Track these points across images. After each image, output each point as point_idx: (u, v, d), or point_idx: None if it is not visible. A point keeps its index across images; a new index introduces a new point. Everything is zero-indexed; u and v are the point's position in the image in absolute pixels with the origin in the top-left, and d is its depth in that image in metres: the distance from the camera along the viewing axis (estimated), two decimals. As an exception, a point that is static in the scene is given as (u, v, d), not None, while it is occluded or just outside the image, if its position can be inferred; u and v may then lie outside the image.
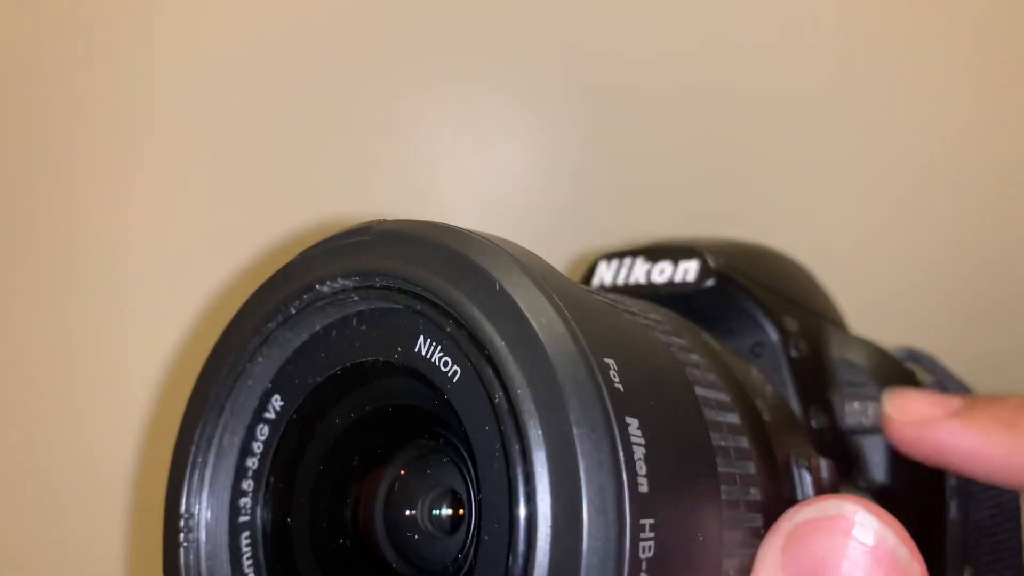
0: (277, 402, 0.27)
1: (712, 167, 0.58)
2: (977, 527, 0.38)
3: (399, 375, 0.24)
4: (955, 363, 0.40)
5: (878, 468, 0.37)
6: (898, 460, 0.37)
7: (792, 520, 0.26)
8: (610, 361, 0.21)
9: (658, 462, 0.21)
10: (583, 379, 0.20)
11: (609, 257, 0.38)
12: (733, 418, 0.28)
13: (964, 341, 0.55)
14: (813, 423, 0.36)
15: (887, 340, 0.40)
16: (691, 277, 0.36)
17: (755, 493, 0.27)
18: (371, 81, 0.58)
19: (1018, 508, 0.39)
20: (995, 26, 0.59)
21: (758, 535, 0.27)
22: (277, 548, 0.26)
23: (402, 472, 0.26)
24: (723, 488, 0.25)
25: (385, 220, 0.25)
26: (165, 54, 0.58)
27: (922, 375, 0.39)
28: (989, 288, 0.58)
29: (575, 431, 0.20)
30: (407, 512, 0.25)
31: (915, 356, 0.39)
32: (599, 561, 0.19)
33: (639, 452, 0.20)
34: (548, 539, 0.19)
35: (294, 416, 0.26)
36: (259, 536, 0.26)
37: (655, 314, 0.30)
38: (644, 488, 0.20)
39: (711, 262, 0.36)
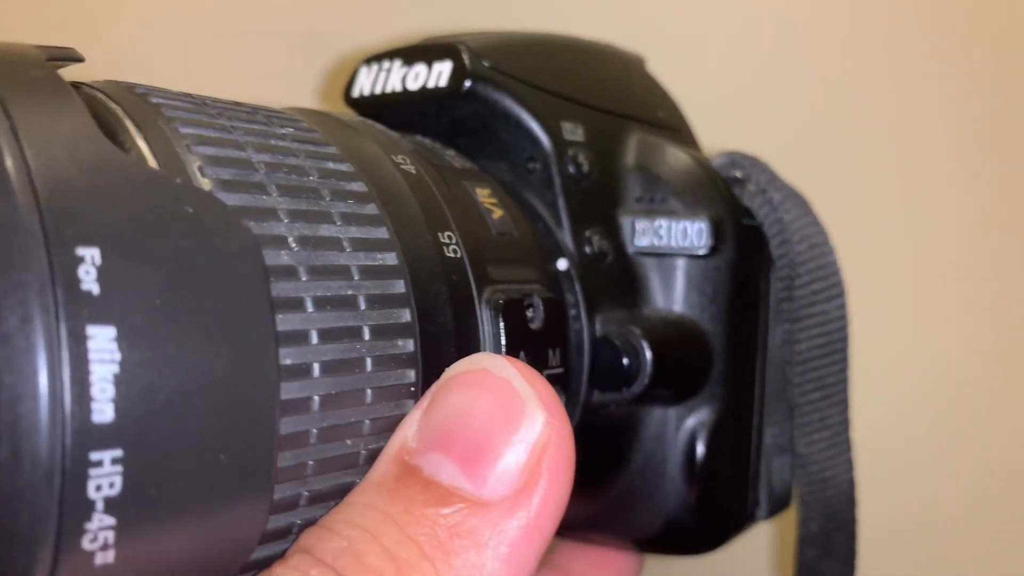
0: None
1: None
2: (803, 360, 0.33)
3: None
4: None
5: (672, 294, 0.32)
6: (697, 286, 0.32)
7: (442, 378, 0.23)
8: (88, 252, 0.17)
9: (142, 377, 0.17)
10: (20, 280, 0.16)
11: (369, 61, 0.33)
12: (387, 258, 0.23)
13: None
14: (587, 249, 0.31)
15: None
16: (444, 81, 0.31)
17: (406, 344, 0.23)
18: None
19: (847, 337, 0.34)
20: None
21: (409, 392, 0.23)
22: None
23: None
24: (330, 347, 0.21)
25: None
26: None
27: (747, 184, 0.33)
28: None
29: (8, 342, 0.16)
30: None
31: (737, 162, 0.33)
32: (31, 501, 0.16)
33: (104, 371, 0.17)
34: None
35: None
36: None
37: (324, 133, 0.25)
38: (106, 417, 0.17)
39: (467, 62, 0.31)
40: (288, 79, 0.49)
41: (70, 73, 0.23)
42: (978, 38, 0.48)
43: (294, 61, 0.50)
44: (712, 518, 0.33)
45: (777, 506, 0.35)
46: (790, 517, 0.35)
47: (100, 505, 0.17)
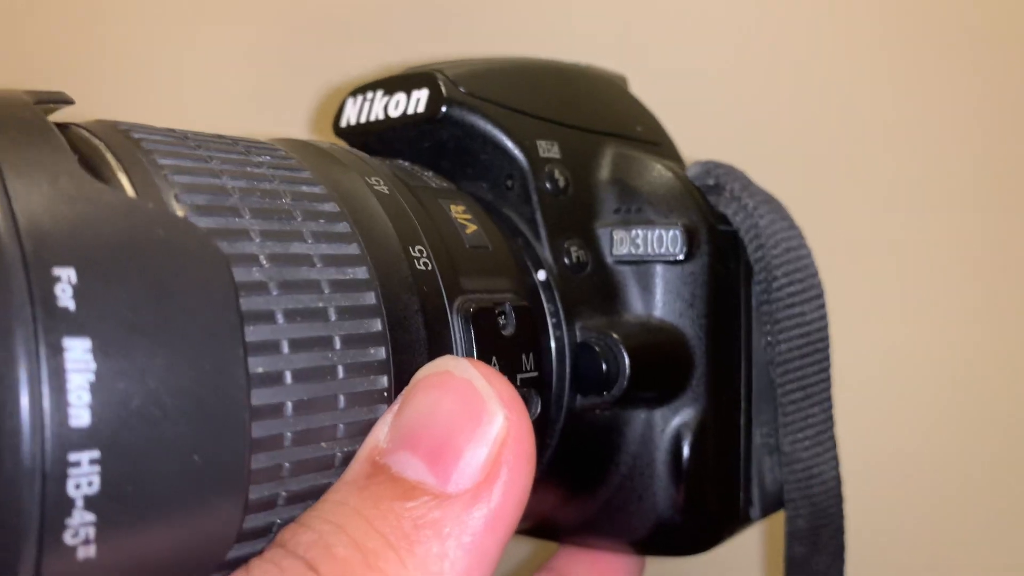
0: None
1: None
2: (784, 360, 0.34)
3: None
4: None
5: (651, 300, 0.33)
6: (675, 291, 0.33)
7: (411, 382, 0.24)
8: (64, 272, 0.19)
9: (116, 384, 0.19)
10: (1, 299, 0.18)
11: (355, 93, 0.35)
12: (358, 272, 0.25)
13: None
14: (566, 260, 0.32)
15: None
16: (422, 108, 0.32)
17: (378, 352, 0.24)
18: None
19: (827, 337, 0.34)
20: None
21: (382, 397, 0.24)
22: None
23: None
24: (301, 356, 0.23)
25: None
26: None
27: (721, 191, 0.34)
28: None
29: None
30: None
31: (711, 171, 0.34)
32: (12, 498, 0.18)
33: (81, 379, 0.18)
34: None
35: None
36: None
37: (300, 160, 0.27)
38: (83, 421, 0.18)
39: (443, 88, 0.32)
40: (282, 111, 0.52)
41: (64, 114, 0.26)
42: (942, 56, 0.49)
43: (287, 94, 0.52)
44: (702, 518, 0.34)
45: (770, 505, 0.36)
46: (779, 515, 0.36)
47: (80, 502, 0.18)
